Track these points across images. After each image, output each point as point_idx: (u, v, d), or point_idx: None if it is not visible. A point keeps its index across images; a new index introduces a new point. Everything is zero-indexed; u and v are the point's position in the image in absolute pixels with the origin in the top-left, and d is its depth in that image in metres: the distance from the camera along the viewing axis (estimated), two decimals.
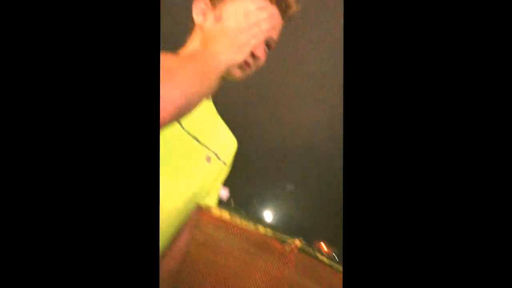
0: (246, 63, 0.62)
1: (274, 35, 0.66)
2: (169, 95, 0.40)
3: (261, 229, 3.90)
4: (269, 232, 3.92)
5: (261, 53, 0.63)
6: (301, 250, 4.21)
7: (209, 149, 0.75)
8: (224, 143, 0.83)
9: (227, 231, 4.11)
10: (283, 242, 4.09)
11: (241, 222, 4.26)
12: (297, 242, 4.11)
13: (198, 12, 0.67)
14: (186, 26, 0.71)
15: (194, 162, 0.69)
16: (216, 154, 0.78)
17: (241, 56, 0.57)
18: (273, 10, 0.64)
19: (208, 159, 0.74)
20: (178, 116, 0.43)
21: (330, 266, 5.07)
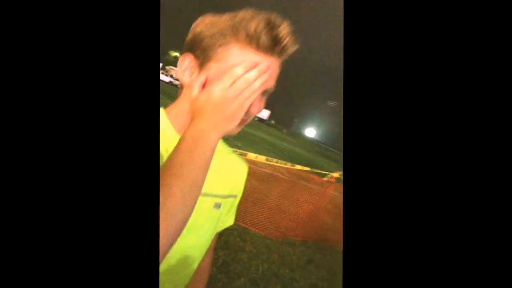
0: (240, 121, 0.55)
1: (271, 83, 0.58)
2: (165, 229, 0.43)
3: (298, 166, 4.04)
4: (307, 169, 4.06)
5: (257, 109, 0.57)
6: (338, 180, 4.38)
7: (217, 197, 0.71)
8: (234, 179, 0.77)
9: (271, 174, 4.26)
10: (322, 175, 4.24)
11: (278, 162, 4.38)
12: (335, 174, 4.25)
13: (183, 71, 0.59)
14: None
15: (201, 215, 0.66)
16: (225, 197, 0.74)
17: (233, 124, 0.53)
18: (266, 60, 0.54)
19: (217, 205, 0.71)
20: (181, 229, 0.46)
21: None
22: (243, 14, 0.55)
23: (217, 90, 0.52)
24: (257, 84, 0.52)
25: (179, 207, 0.45)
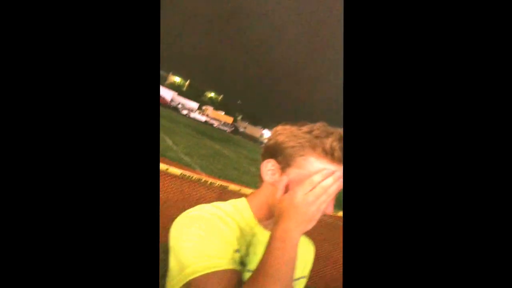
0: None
1: (341, 186, 0.65)
2: None
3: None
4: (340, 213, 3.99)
5: (330, 209, 0.64)
6: None
7: (294, 280, 0.79)
8: (305, 260, 0.84)
9: None
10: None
11: None
12: None
13: (267, 172, 0.70)
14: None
15: None
16: (298, 279, 0.80)
17: (313, 223, 0.60)
18: (338, 168, 0.64)
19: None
20: None
21: None
22: (319, 130, 0.66)
23: (299, 194, 0.61)
24: (332, 190, 0.61)
25: None
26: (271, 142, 0.72)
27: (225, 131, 41.74)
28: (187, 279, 0.60)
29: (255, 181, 0.81)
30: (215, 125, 43.11)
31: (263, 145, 0.80)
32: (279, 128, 0.73)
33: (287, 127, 0.71)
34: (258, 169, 0.73)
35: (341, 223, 4.27)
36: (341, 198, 0.58)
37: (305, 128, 0.68)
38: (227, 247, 0.65)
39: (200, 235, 0.62)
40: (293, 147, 0.67)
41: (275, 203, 0.66)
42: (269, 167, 0.70)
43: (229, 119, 56.57)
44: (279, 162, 0.69)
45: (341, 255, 3.84)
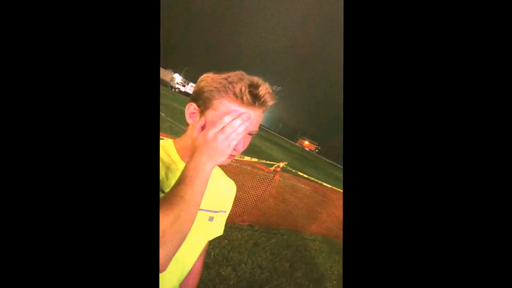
0: (229, 156, 0.72)
1: (253, 127, 0.75)
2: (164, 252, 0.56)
3: (247, 158, 4.30)
4: (255, 159, 4.34)
5: (241, 147, 0.75)
6: (283, 169, 4.73)
7: (211, 211, 0.88)
8: (225, 197, 0.95)
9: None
10: (269, 166, 4.55)
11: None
12: (281, 164, 4.59)
13: (188, 115, 0.78)
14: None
15: (196, 226, 0.74)
16: (217, 211, 0.91)
17: (223, 158, 0.69)
18: (250, 112, 0.73)
19: (211, 219, 0.88)
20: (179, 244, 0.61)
21: (308, 179, 5.73)
22: (234, 76, 0.73)
23: (211, 132, 0.69)
24: (240, 129, 0.70)
25: (184, 221, 0.61)
26: (195, 88, 0.78)
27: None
28: None
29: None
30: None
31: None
32: (203, 75, 0.78)
33: (210, 74, 0.77)
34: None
35: (249, 168, 4.57)
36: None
37: (224, 75, 0.74)
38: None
39: None
40: (211, 91, 0.74)
41: (192, 141, 0.74)
42: (190, 110, 0.77)
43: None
44: (199, 106, 0.76)
45: (244, 194, 4.29)
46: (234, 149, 0.73)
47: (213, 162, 0.69)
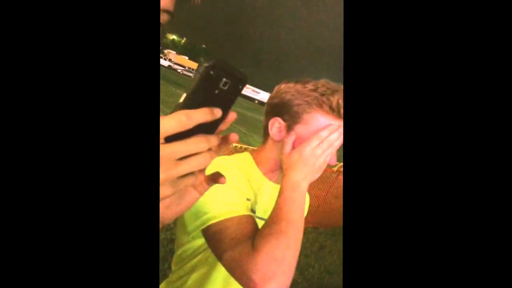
0: None
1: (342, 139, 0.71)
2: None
3: None
4: None
5: (334, 160, 0.70)
6: None
7: None
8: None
9: None
10: (332, 166, 4.41)
11: None
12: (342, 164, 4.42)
13: (274, 131, 0.73)
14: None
15: None
16: None
17: (319, 175, 0.67)
18: (341, 122, 0.68)
19: None
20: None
21: None
22: (323, 87, 0.69)
23: (308, 149, 0.66)
24: (337, 143, 0.67)
25: (297, 244, 0.59)
26: (276, 100, 0.74)
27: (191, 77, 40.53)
28: (206, 225, 0.63)
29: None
30: (179, 71, 40.57)
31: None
32: (283, 86, 0.74)
33: (291, 85, 0.72)
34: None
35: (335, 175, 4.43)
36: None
37: (310, 86, 0.70)
38: (240, 195, 0.68)
39: None
40: (299, 105, 0.69)
41: (283, 157, 0.69)
42: (276, 125, 0.72)
43: (194, 65, 51.85)
44: (285, 120, 0.71)
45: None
46: (328, 164, 0.69)
47: (309, 179, 0.66)
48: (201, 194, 0.45)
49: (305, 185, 0.65)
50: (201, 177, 0.44)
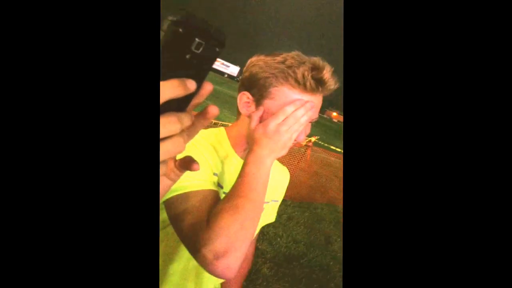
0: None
1: (315, 115, 0.69)
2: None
3: None
4: None
5: (302, 137, 0.68)
6: (314, 144, 4.69)
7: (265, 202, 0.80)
8: (278, 185, 0.89)
9: None
10: None
11: None
12: (312, 139, 4.54)
13: (242, 105, 0.70)
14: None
15: None
16: (270, 201, 0.85)
17: (285, 151, 0.64)
18: (312, 98, 0.66)
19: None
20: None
21: (339, 152, 5.64)
22: (292, 59, 0.65)
23: (272, 125, 0.63)
24: (303, 119, 0.64)
25: (251, 221, 0.57)
26: (247, 74, 0.70)
27: None
28: (168, 197, 0.62)
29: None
30: None
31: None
32: (253, 59, 0.71)
33: (261, 57, 0.69)
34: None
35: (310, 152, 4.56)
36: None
37: (279, 58, 0.66)
38: (207, 169, 0.66)
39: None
40: (266, 78, 0.66)
41: (249, 133, 0.67)
42: (244, 100, 0.70)
43: None
44: (253, 95, 0.69)
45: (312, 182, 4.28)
46: (295, 140, 0.67)
47: (275, 155, 0.63)
48: (174, 181, 0.42)
49: (269, 162, 0.62)
50: (171, 164, 0.40)
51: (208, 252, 0.53)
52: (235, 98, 0.74)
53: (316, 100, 0.67)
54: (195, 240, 0.55)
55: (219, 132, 0.78)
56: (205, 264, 0.54)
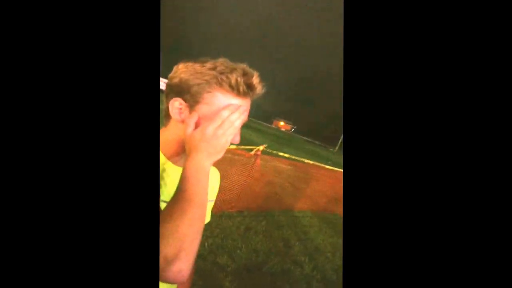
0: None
1: (246, 118, 0.73)
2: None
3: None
4: (233, 146, 4.32)
5: (237, 139, 0.72)
6: (263, 152, 4.75)
7: None
8: (212, 185, 0.91)
9: None
10: (249, 150, 4.54)
11: None
12: (261, 147, 4.60)
13: (175, 112, 0.72)
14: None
15: None
16: (208, 201, 0.88)
17: (222, 154, 0.68)
18: (243, 102, 0.70)
19: None
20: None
21: (289, 158, 5.78)
22: (222, 65, 0.69)
23: (210, 129, 0.66)
24: (238, 123, 0.69)
25: (198, 225, 0.59)
26: (176, 80, 0.72)
27: None
28: None
29: None
30: None
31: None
32: (181, 65, 0.73)
33: (189, 64, 0.72)
34: None
35: (229, 155, 4.58)
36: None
37: (209, 65, 0.69)
38: None
39: None
40: (199, 84, 0.69)
41: (186, 138, 0.69)
42: (176, 106, 0.72)
43: None
44: (186, 100, 0.71)
45: (229, 181, 4.32)
46: (231, 142, 0.71)
47: (212, 158, 0.67)
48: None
49: (208, 165, 0.66)
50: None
51: (160, 258, 0.53)
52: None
53: (246, 104, 0.72)
54: None
55: None
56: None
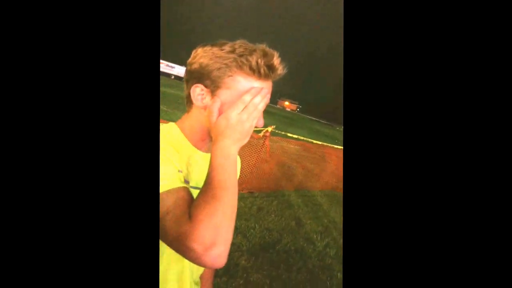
0: None
1: (268, 101, 0.71)
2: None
3: None
4: None
5: (261, 122, 0.71)
6: (272, 134, 4.77)
7: None
8: None
9: None
10: (257, 132, 4.57)
11: None
12: (269, 128, 4.62)
13: (197, 97, 0.71)
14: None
15: None
16: None
17: (247, 138, 0.67)
18: (264, 84, 0.69)
19: None
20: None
21: (297, 139, 5.81)
22: (240, 48, 0.67)
23: (233, 115, 0.65)
24: (261, 106, 0.68)
25: (232, 211, 0.60)
26: (195, 66, 0.71)
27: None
28: None
29: None
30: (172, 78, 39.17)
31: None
32: (199, 50, 0.71)
33: (207, 48, 0.70)
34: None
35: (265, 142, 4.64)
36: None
37: (228, 48, 0.68)
38: (171, 167, 0.67)
39: None
40: (219, 68, 0.67)
41: (211, 125, 0.69)
42: (197, 92, 0.70)
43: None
44: (207, 86, 0.69)
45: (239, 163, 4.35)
46: (256, 126, 0.69)
47: (239, 144, 0.66)
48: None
49: (235, 150, 0.66)
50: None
51: (197, 245, 0.55)
52: (182, 96, 0.72)
53: (268, 86, 0.70)
54: (180, 237, 0.56)
55: (172, 129, 0.77)
56: (194, 257, 0.56)
